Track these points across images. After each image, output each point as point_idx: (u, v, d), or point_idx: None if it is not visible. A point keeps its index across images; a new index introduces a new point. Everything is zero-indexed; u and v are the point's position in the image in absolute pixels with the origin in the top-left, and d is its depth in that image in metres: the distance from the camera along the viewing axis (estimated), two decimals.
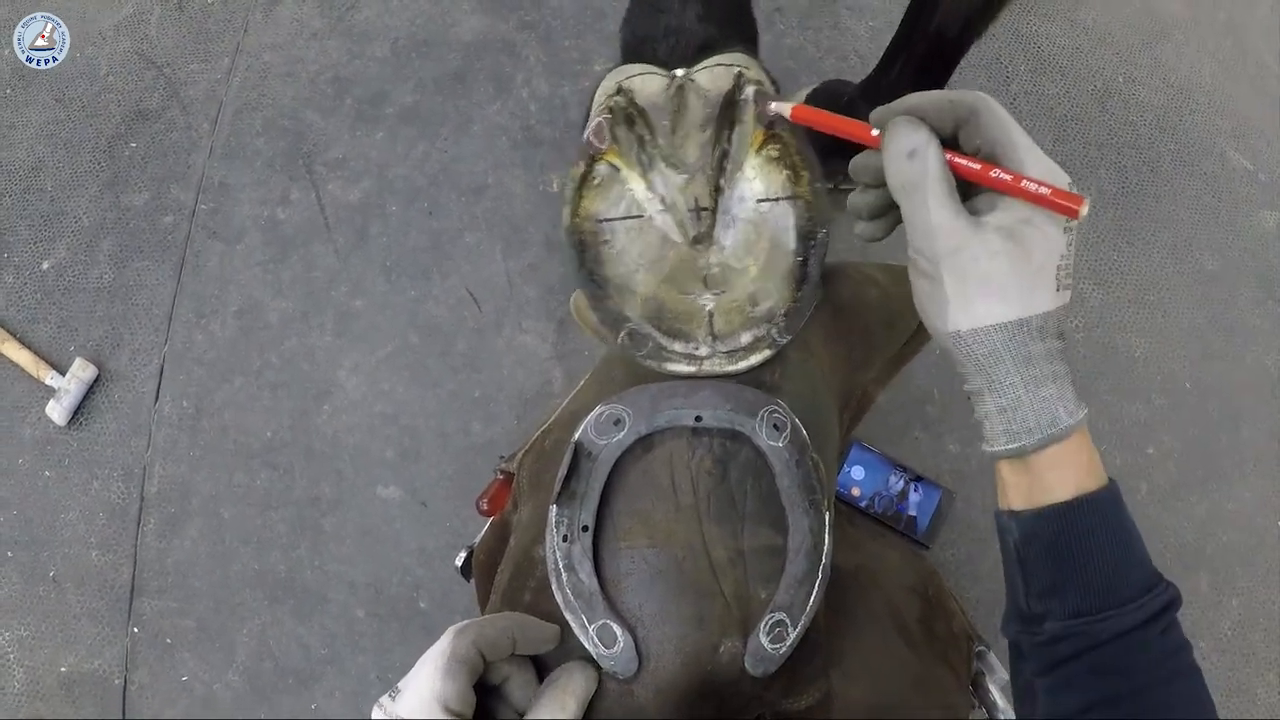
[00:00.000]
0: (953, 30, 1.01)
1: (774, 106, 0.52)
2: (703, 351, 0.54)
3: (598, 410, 0.52)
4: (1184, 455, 1.25)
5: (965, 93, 0.42)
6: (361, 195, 1.26)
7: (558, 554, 0.49)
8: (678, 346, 0.54)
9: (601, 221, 0.54)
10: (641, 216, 0.54)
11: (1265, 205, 1.38)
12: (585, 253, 0.54)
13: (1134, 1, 1.43)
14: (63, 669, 1.20)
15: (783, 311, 0.54)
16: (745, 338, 0.54)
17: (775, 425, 0.51)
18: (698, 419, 0.51)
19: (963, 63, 1.03)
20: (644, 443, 0.51)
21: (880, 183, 0.45)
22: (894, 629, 0.66)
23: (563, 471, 0.50)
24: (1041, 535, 0.42)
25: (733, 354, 0.54)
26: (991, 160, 0.42)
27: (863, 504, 1.13)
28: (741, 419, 0.51)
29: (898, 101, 0.44)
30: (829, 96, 1.18)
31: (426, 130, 1.28)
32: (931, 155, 0.41)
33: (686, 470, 0.50)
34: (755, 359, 0.54)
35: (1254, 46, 1.46)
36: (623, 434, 0.51)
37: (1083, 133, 1.34)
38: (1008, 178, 0.41)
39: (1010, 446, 0.42)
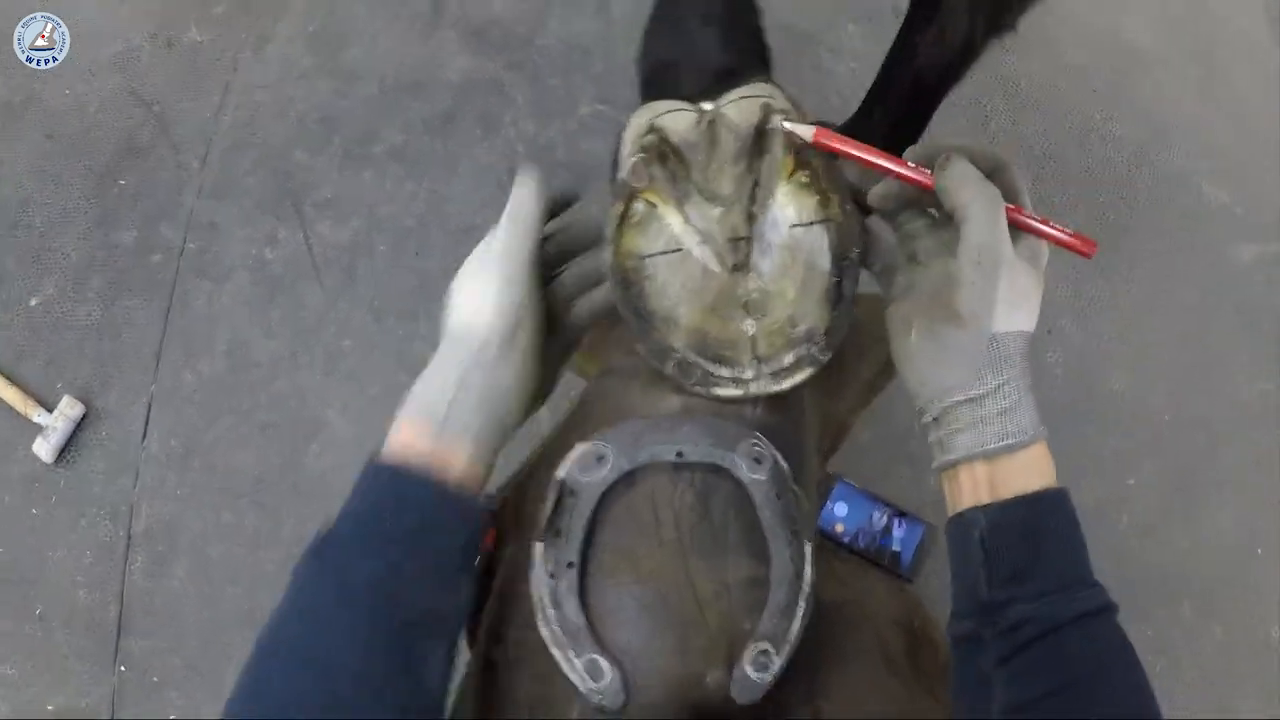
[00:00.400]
0: (930, 78, 1.03)
1: (789, 126, 0.53)
2: (749, 375, 0.56)
3: (580, 448, 0.53)
4: (1164, 486, 1.27)
5: (997, 150, 0.50)
6: (350, 235, 1.27)
7: (544, 590, 0.50)
8: (724, 372, 0.56)
9: (643, 258, 0.55)
10: (681, 250, 0.55)
11: (1242, 238, 1.40)
12: (629, 290, 0.55)
13: (1110, 37, 1.46)
14: (50, 708, 1.19)
15: (822, 330, 0.56)
16: (788, 358, 0.56)
17: (756, 458, 0.52)
18: (679, 454, 0.52)
19: (942, 103, 1.05)
20: (627, 479, 0.52)
21: (899, 209, 0.53)
22: (881, 663, 0.67)
23: (547, 509, 0.51)
24: (1010, 522, 0.46)
25: (778, 374, 0.56)
26: None
27: (846, 540, 1.14)
28: (722, 453, 0.52)
29: (946, 143, 0.50)
30: None
31: (414, 170, 1.29)
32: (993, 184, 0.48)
33: (669, 505, 0.52)
34: (799, 377, 0.56)
35: (1229, 80, 1.49)
36: (605, 471, 0.52)
37: (1061, 170, 1.37)
38: (1036, 220, 0.49)
39: (1005, 443, 0.46)
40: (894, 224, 0.55)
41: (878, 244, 0.56)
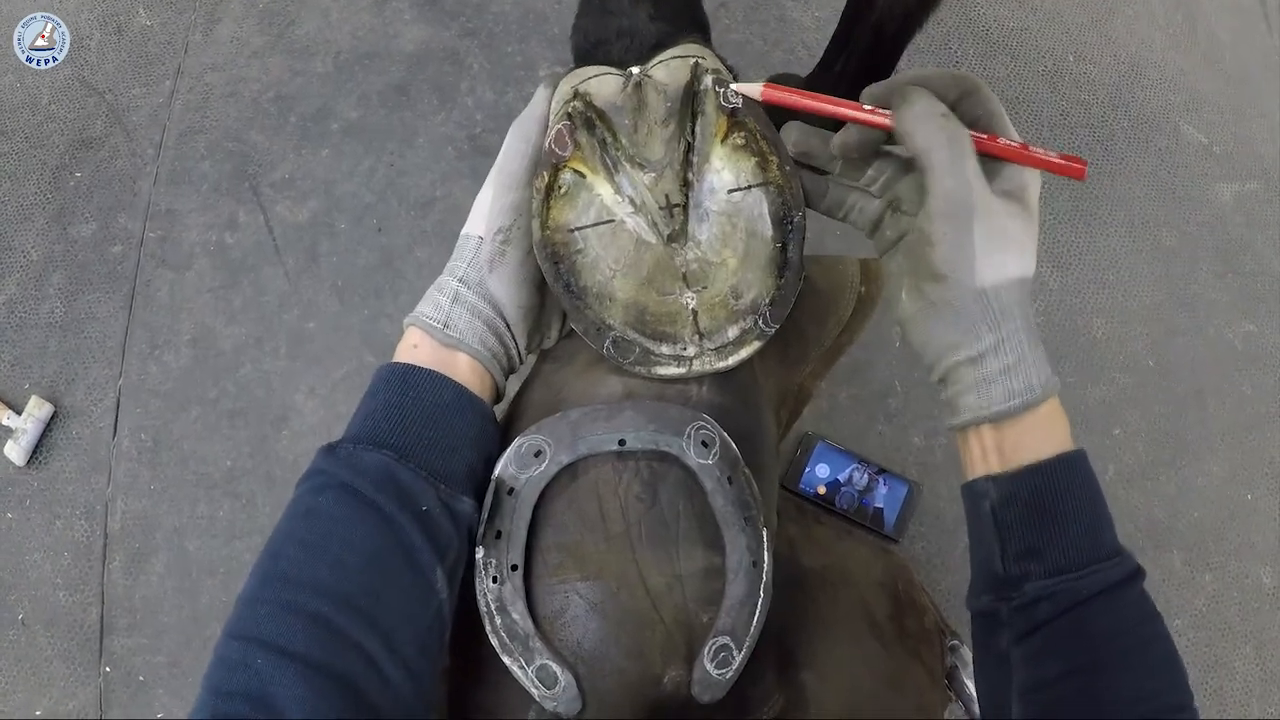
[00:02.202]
0: (892, 26, 1.00)
1: (739, 87, 0.51)
2: (690, 351, 0.53)
3: (516, 442, 0.50)
4: (1151, 434, 1.26)
5: (963, 74, 0.46)
6: (309, 215, 1.24)
7: (488, 596, 0.48)
8: (664, 349, 0.53)
9: (573, 231, 0.52)
10: (613, 221, 0.53)
11: (1220, 178, 1.38)
12: (559, 265, 0.52)
13: None
14: (38, 712, 1.18)
15: (767, 300, 0.53)
16: (732, 331, 0.53)
17: (703, 442, 0.50)
18: (621, 443, 0.49)
19: (910, 48, 1.02)
20: (568, 472, 0.50)
21: (868, 156, 0.49)
22: (865, 627, 0.66)
23: (485, 511, 0.49)
24: (1022, 494, 0.43)
25: (721, 349, 0.53)
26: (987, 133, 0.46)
27: (828, 502, 1.12)
28: (667, 439, 0.49)
29: (903, 75, 0.46)
30: None
31: (372, 145, 1.26)
32: (957, 119, 0.44)
33: (615, 497, 0.49)
34: (745, 352, 0.53)
35: (1204, 18, 1.46)
36: (544, 465, 0.49)
37: (1034, 114, 1.34)
38: (1015, 145, 0.45)
39: (1012, 404, 0.43)
40: (864, 173, 0.51)
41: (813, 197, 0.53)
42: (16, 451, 1.20)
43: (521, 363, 0.55)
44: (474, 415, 0.49)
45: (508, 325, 0.52)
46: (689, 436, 0.50)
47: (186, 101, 1.31)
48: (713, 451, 0.50)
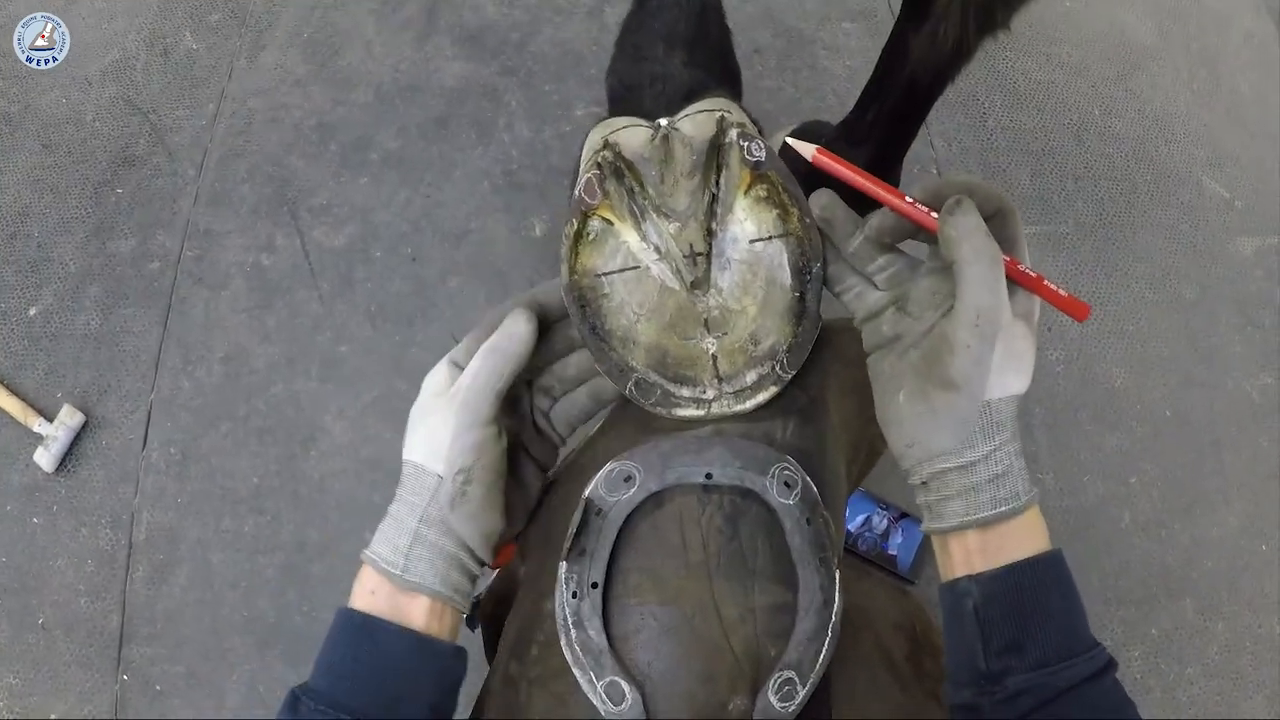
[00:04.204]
0: (924, 78, 1.02)
1: (794, 144, 0.53)
2: (709, 394, 0.55)
3: (608, 467, 0.52)
4: (1166, 483, 1.26)
5: (1002, 193, 0.48)
6: (346, 241, 1.27)
7: (566, 610, 0.49)
8: (685, 391, 0.55)
9: (599, 275, 0.54)
10: (638, 267, 0.55)
11: (1242, 232, 1.40)
12: (586, 308, 0.54)
13: (1108, 34, 1.46)
14: (53, 716, 1.19)
15: (785, 348, 0.55)
16: (750, 376, 0.55)
17: (786, 483, 0.51)
18: (708, 476, 0.51)
19: (939, 101, 1.04)
20: (654, 499, 0.52)
21: (892, 244, 0.50)
22: (884, 668, 0.67)
23: (572, 529, 0.50)
24: (1005, 593, 0.44)
25: (739, 394, 0.55)
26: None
27: (848, 543, 1.14)
28: (752, 476, 0.51)
29: (952, 179, 0.48)
30: (808, 137, 1.19)
31: (410, 176, 1.29)
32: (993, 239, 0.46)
33: (697, 527, 0.51)
34: (762, 396, 0.55)
35: (1227, 74, 1.48)
36: (633, 491, 0.51)
37: (1059, 166, 1.36)
38: (1033, 275, 0.47)
39: (999, 510, 0.45)
40: (875, 261, 0.52)
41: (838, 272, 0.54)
42: (46, 458, 1.22)
43: (483, 572, 0.55)
44: (434, 660, 0.49)
45: (471, 553, 0.51)
46: (773, 476, 0.51)
47: (229, 125, 1.34)
48: (794, 492, 0.51)
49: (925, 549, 1.14)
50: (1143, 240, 1.36)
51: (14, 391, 1.27)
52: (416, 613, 0.49)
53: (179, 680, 1.18)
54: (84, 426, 1.25)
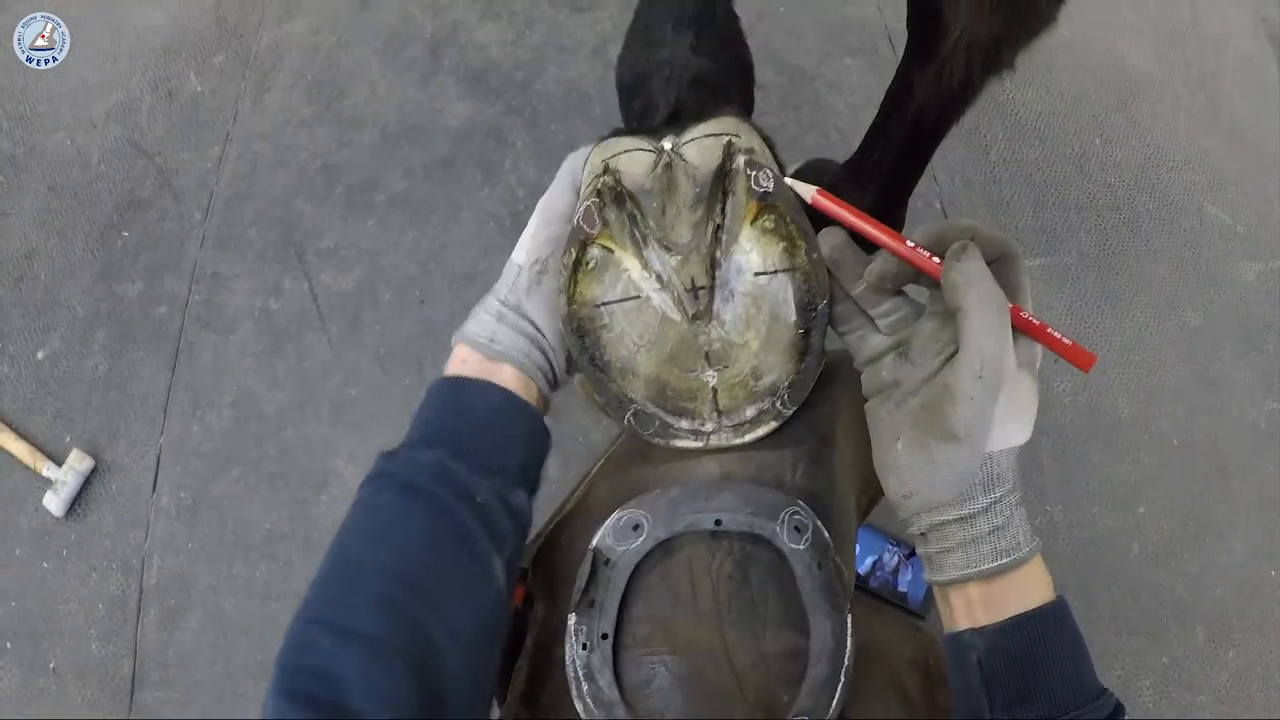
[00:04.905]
0: (930, 117, 1.03)
1: (792, 184, 0.52)
2: (708, 427, 0.54)
3: (616, 515, 0.52)
4: (1175, 512, 1.27)
5: (1006, 237, 0.47)
6: (354, 284, 1.28)
7: (577, 663, 0.49)
8: (684, 424, 0.54)
9: (599, 306, 0.53)
10: (639, 297, 0.53)
11: (1244, 257, 1.40)
12: (585, 338, 0.54)
13: (1106, 62, 1.46)
14: None
15: (786, 384, 0.54)
16: (750, 411, 0.54)
17: (796, 527, 0.51)
18: (718, 522, 0.51)
19: None
20: (663, 547, 0.51)
21: (894, 289, 0.50)
22: (898, 703, 0.67)
23: (581, 581, 0.50)
24: (1009, 646, 0.44)
25: (738, 428, 0.54)
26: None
27: (864, 582, 1.14)
28: (762, 522, 0.51)
29: (955, 223, 0.47)
30: (813, 176, 1.19)
31: (416, 217, 1.29)
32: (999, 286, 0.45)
33: (707, 575, 0.51)
34: (761, 431, 0.54)
35: (1226, 100, 1.49)
36: (641, 539, 0.51)
37: (1062, 197, 1.37)
38: (1036, 322, 0.46)
39: (1000, 562, 0.44)
40: (880, 305, 0.51)
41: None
42: (55, 503, 1.22)
43: (560, 384, 0.58)
44: (522, 417, 0.52)
45: (548, 344, 0.54)
46: (783, 521, 0.51)
47: (235, 168, 1.34)
48: (805, 537, 0.51)
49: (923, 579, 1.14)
50: (1146, 269, 1.36)
51: (23, 435, 1.27)
52: (505, 377, 0.52)
53: None
54: (93, 471, 1.25)
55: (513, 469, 0.50)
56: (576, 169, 0.55)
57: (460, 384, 0.51)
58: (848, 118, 1.32)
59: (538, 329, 0.53)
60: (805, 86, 1.34)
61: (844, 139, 1.30)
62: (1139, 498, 1.27)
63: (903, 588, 1.12)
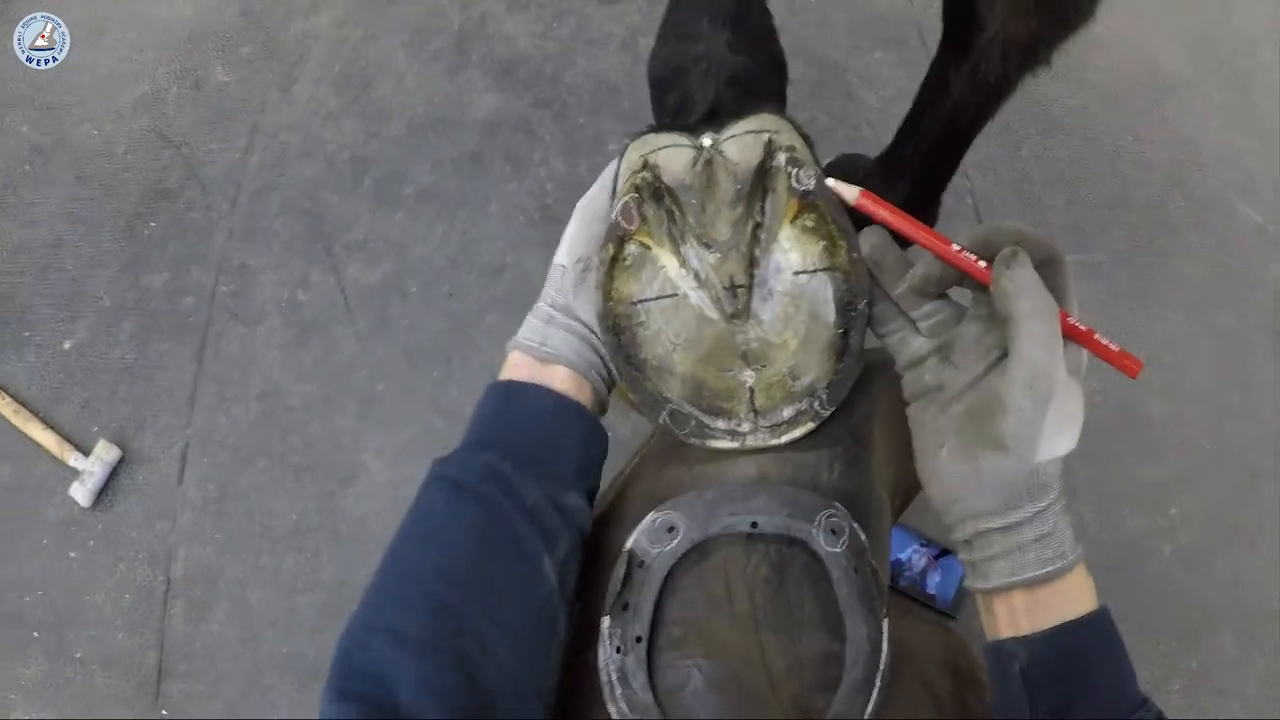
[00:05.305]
0: (965, 114, 1.02)
1: (835, 185, 0.51)
2: (745, 428, 0.54)
3: (651, 517, 0.52)
4: (1206, 515, 1.26)
5: (1052, 241, 0.46)
6: (382, 277, 1.27)
7: (611, 667, 0.49)
8: (720, 424, 0.54)
9: (635, 303, 0.53)
10: (676, 295, 0.53)
11: (1276, 259, 1.39)
12: (620, 336, 0.53)
13: (1139, 59, 1.45)
14: None
15: (824, 385, 0.53)
16: (787, 412, 0.54)
17: (833, 530, 0.51)
18: (754, 525, 0.51)
19: None
20: (698, 550, 0.51)
21: (937, 292, 0.49)
22: (928, 704, 0.66)
23: (615, 584, 0.50)
24: (1052, 655, 0.44)
25: (775, 428, 0.54)
26: None
27: (892, 582, 1.13)
28: (799, 524, 0.50)
29: (1001, 226, 0.46)
30: (845, 170, 1.19)
31: (445, 210, 1.29)
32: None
33: (742, 578, 0.50)
34: (798, 432, 0.54)
35: (1261, 99, 1.47)
36: (676, 542, 0.51)
37: (1094, 194, 1.35)
38: (1083, 328, 0.45)
39: (1045, 570, 0.44)
40: (921, 307, 0.50)
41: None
42: (82, 493, 1.23)
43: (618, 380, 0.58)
44: (575, 419, 0.52)
45: (596, 336, 0.54)
46: (819, 524, 0.51)
47: (262, 159, 1.34)
48: (841, 540, 0.51)
49: (964, 583, 1.13)
50: (1177, 268, 1.35)
51: (50, 425, 1.27)
52: (557, 379, 0.53)
53: (218, 716, 1.19)
54: (120, 461, 1.25)
55: (565, 471, 0.50)
56: (614, 166, 0.56)
57: (511, 388, 0.52)
58: (879, 111, 1.31)
59: (588, 328, 0.54)
60: (836, 79, 1.33)
61: (874, 133, 1.29)
62: (1170, 500, 1.25)
63: (931, 589, 1.12)
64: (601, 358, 0.55)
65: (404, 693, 0.40)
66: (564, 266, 0.54)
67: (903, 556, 1.13)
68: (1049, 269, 0.45)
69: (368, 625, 0.44)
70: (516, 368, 0.53)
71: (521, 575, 0.47)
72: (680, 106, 0.66)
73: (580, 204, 0.56)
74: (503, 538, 0.47)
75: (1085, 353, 0.46)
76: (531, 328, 0.54)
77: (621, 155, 0.55)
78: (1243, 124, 1.44)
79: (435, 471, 0.49)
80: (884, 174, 1.14)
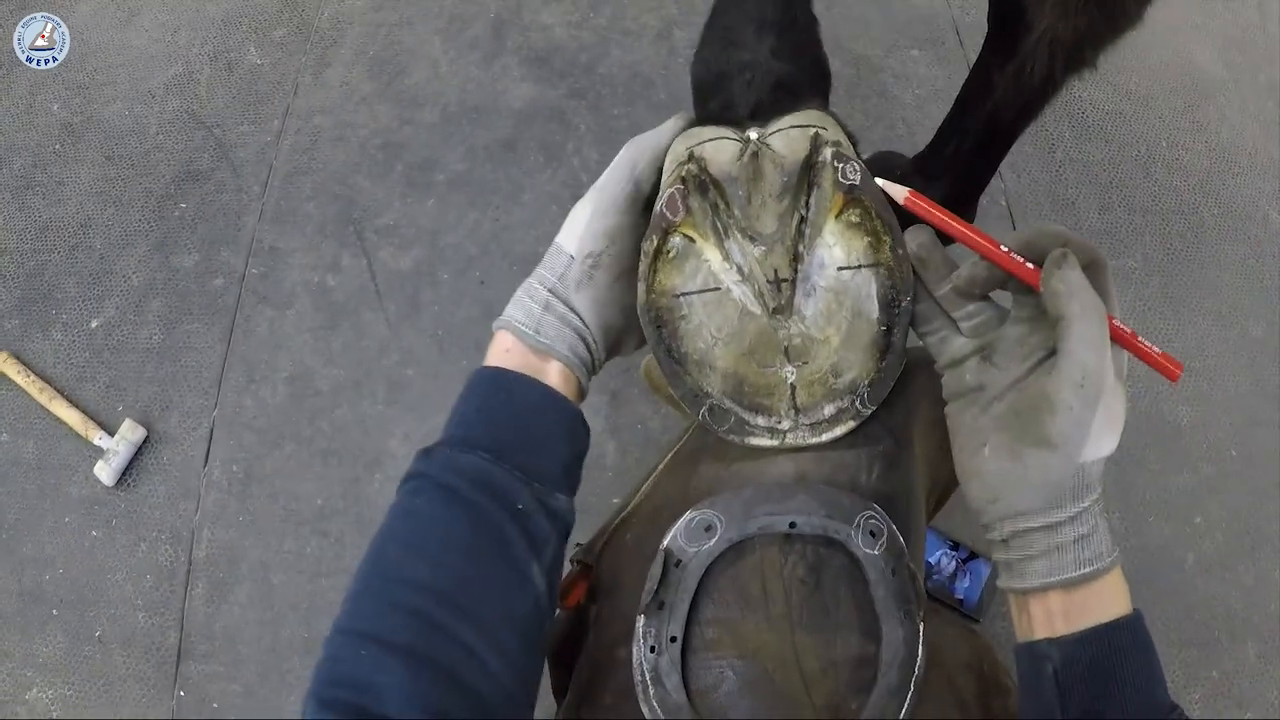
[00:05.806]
0: (1007, 114, 1.01)
1: (884, 185, 0.51)
2: (785, 425, 0.53)
3: (688, 516, 0.51)
4: (1231, 524, 1.25)
5: (1095, 245, 0.46)
6: (413, 263, 1.27)
7: (645, 666, 0.48)
8: (760, 420, 0.53)
9: (678, 296, 0.52)
10: (719, 289, 0.52)
11: None
12: (662, 329, 0.53)
13: (1175, 65, 1.44)
14: None
15: (866, 382, 0.53)
16: (828, 410, 0.53)
17: (871, 532, 0.50)
18: (792, 525, 0.50)
19: None
20: (735, 549, 0.50)
21: (981, 294, 0.49)
22: (954, 707, 0.66)
23: (651, 583, 0.49)
24: (1085, 657, 0.44)
25: (816, 426, 0.53)
26: None
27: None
28: (837, 525, 0.50)
29: (1046, 229, 0.46)
30: (882, 169, 1.18)
31: (478, 198, 1.28)
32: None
33: (779, 578, 0.50)
34: (839, 430, 0.53)
35: None
36: (713, 541, 0.50)
37: (1127, 199, 1.35)
38: (1127, 331, 0.45)
39: (1084, 571, 0.44)
40: (963, 308, 0.50)
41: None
42: (106, 472, 1.23)
43: (598, 371, 0.57)
44: (564, 416, 0.51)
45: (592, 338, 0.53)
46: (858, 525, 0.50)
47: (294, 142, 1.34)
48: (880, 542, 0.50)
49: (990, 585, 1.13)
50: (1210, 275, 1.34)
51: (75, 404, 1.27)
52: (549, 372, 0.51)
53: (236, 699, 1.18)
54: (145, 441, 1.25)
55: (553, 472, 0.49)
56: (635, 158, 0.54)
57: (502, 377, 0.50)
58: (915, 110, 1.30)
59: (583, 321, 0.52)
60: (872, 77, 1.33)
61: (910, 131, 1.28)
62: (1196, 508, 1.25)
63: (959, 594, 1.11)
64: (591, 353, 0.54)
65: (390, 703, 0.40)
66: (571, 256, 0.52)
67: (931, 560, 1.12)
68: (1091, 272, 0.45)
69: (351, 632, 0.43)
70: (507, 353, 0.51)
71: (511, 583, 0.46)
72: (723, 110, 0.66)
73: (595, 189, 0.54)
74: (493, 546, 0.46)
75: (1126, 355, 0.47)
76: (525, 309, 0.51)
77: (641, 145, 0.55)
78: (1277, 131, 1.44)
79: (423, 469, 0.47)
80: (923, 172, 1.14)
